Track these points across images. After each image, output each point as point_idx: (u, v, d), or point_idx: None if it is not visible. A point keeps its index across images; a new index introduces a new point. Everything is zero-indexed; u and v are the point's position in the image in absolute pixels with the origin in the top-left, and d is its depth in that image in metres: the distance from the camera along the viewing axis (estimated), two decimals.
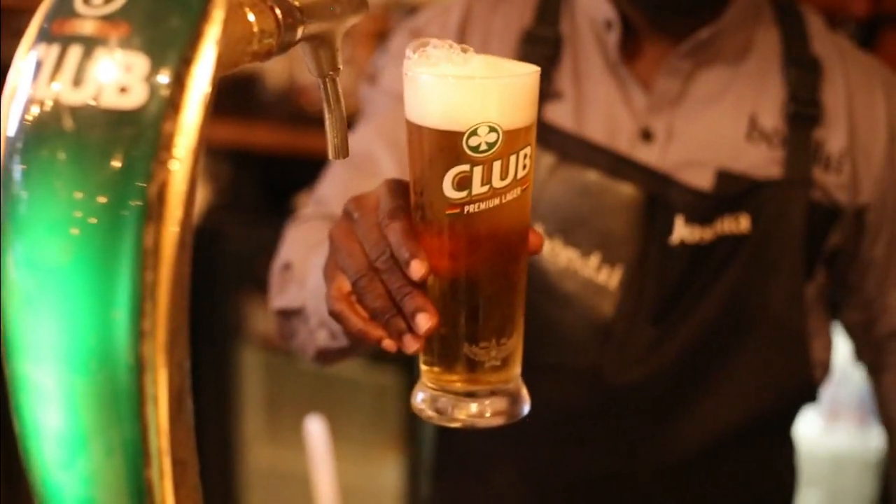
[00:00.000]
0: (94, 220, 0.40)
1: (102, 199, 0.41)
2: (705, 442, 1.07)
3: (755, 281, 1.03)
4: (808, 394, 1.10)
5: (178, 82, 0.42)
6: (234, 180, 2.73)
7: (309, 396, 2.80)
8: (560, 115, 1.05)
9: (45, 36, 0.44)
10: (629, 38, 1.06)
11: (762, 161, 1.04)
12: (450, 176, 0.63)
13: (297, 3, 0.55)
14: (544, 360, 1.03)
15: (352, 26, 0.63)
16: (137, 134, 0.41)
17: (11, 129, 0.43)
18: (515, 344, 0.69)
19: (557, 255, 1.03)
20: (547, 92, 1.06)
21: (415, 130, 0.65)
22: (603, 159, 1.03)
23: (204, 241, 2.61)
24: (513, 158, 0.64)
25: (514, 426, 1.09)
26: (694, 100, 1.05)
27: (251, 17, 0.50)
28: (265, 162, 2.69)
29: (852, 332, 1.14)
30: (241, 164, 2.71)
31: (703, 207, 1.02)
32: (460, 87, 0.63)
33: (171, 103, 0.41)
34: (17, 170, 0.42)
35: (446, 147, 0.63)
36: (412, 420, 2.54)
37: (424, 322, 0.66)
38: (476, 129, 0.63)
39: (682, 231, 1.02)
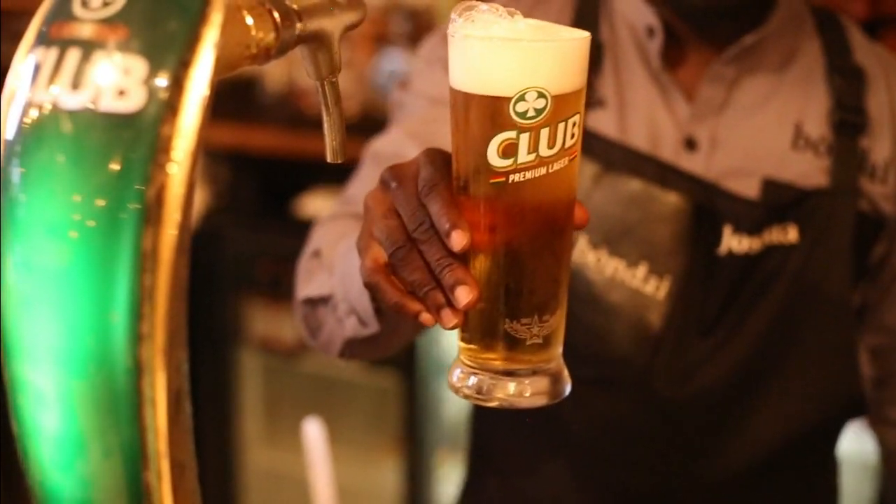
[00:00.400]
0: (92, 223, 0.40)
1: (101, 202, 0.41)
2: (755, 457, 1.05)
3: (804, 292, 1.01)
4: (857, 407, 1.07)
5: (177, 85, 0.42)
6: (234, 183, 2.73)
7: (308, 399, 2.80)
8: (603, 123, 1.04)
9: (43, 39, 0.44)
10: (671, 45, 1.04)
11: (809, 170, 1.02)
12: (495, 143, 0.61)
13: (294, 7, 0.55)
14: (590, 373, 1.02)
15: (350, 29, 0.63)
16: (136, 137, 0.41)
17: (10, 132, 0.43)
18: (558, 322, 0.66)
19: (603, 265, 1.01)
20: (590, 100, 1.04)
21: (459, 96, 0.63)
22: (648, 168, 1.02)
23: (203, 244, 2.62)
24: (561, 126, 0.61)
25: (557, 439, 1.09)
26: (738, 107, 1.04)
27: (249, 20, 0.50)
28: (264, 165, 2.69)
29: (874, 361, 1.10)
30: (241, 167, 2.72)
31: (752, 217, 1.00)
32: (508, 49, 0.61)
33: (170, 106, 0.42)
34: (16, 173, 0.42)
35: (492, 113, 0.61)
36: (411, 423, 2.54)
37: (465, 296, 0.62)
38: (524, 94, 0.60)
39: (730, 241, 1.00)
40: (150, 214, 0.40)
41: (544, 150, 0.61)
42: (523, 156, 0.61)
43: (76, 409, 0.41)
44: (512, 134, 0.60)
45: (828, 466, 1.15)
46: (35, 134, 0.42)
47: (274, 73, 2.69)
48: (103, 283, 0.40)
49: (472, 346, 0.67)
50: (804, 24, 1.08)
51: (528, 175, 0.61)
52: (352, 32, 0.63)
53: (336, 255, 0.91)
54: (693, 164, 1.03)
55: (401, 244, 0.65)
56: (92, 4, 0.44)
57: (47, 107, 0.42)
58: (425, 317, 0.66)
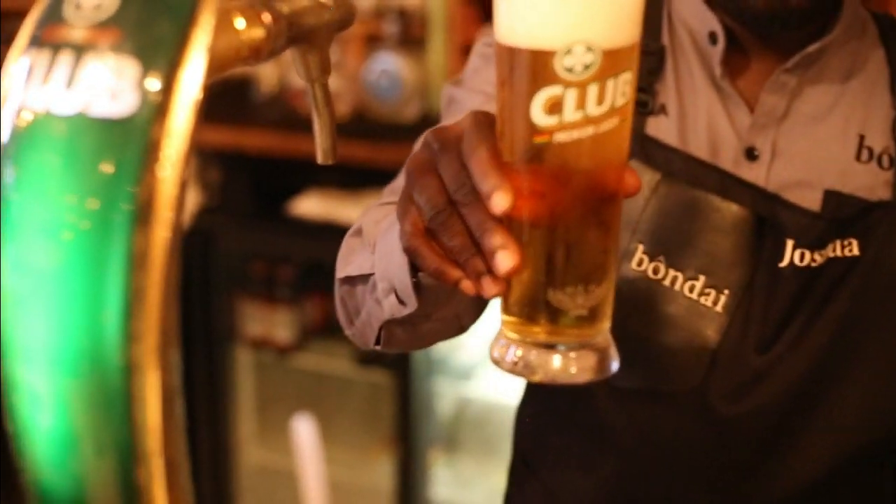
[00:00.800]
0: (85, 225, 0.41)
1: (93, 204, 0.41)
2: (812, 475, 1.03)
3: (866, 306, 0.99)
4: None
5: (169, 88, 0.42)
6: (227, 183, 2.74)
7: (301, 396, 2.81)
8: (664, 130, 1.02)
9: (35, 42, 0.44)
10: (731, 52, 1.02)
11: (872, 182, 1.00)
12: (539, 99, 0.57)
13: (285, 9, 0.55)
14: (644, 385, 1.01)
15: (340, 31, 0.63)
16: (128, 139, 0.42)
17: (3, 135, 0.43)
18: (605, 294, 0.62)
19: (661, 276, 0.99)
20: (652, 106, 1.03)
21: (503, 52, 0.60)
22: (710, 178, 1.00)
23: (196, 244, 2.62)
24: (611, 83, 0.57)
25: (607, 449, 1.07)
26: (799, 117, 1.02)
27: (240, 22, 0.51)
28: (257, 165, 2.69)
29: None
30: (233, 167, 2.72)
31: (814, 231, 0.98)
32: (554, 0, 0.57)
33: (162, 109, 0.42)
34: (9, 174, 0.43)
35: (537, 68, 0.57)
36: (404, 421, 2.55)
37: (505, 262, 0.59)
38: (571, 47, 0.56)
39: (792, 255, 0.98)
40: (143, 216, 0.41)
41: (592, 109, 0.57)
42: (569, 113, 0.57)
43: (69, 408, 0.42)
44: (557, 90, 0.57)
45: (889, 486, 1.11)
46: (28, 136, 0.43)
47: (267, 73, 2.69)
48: (96, 283, 0.41)
49: (514, 318, 0.63)
50: (866, 33, 1.05)
51: (575, 135, 0.57)
52: (343, 33, 0.64)
53: (378, 232, 0.89)
54: (753, 174, 1.00)
55: (441, 208, 0.63)
56: (84, 8, 0.44)
57: (40, 109, 0.43)
58: (465, 284, 0.63)
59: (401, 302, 0.84)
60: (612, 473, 1.08)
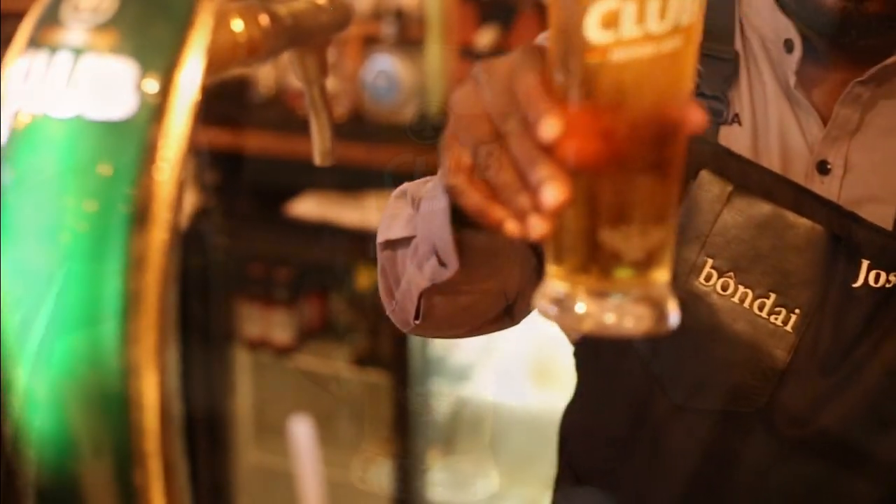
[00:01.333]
0: (83, 227, 0.41)
1: (91, 206, 0.41)
2: (880, 500, 0.99)
3: None
4: None
5: (166, 90, 0.42)
6: (224, 184, 2.74)
7: (299, 397, 2.81)
8: (737, 140, 0.99)
9: (33, 44, 0.44)
10: (805, 61, 0.98)
11: None
12: (594, 12, 0.51)
13: (283, 11, 0.55)
14: (707, 404, 0.99)
15: (337, 33, 0.63)
16: (126, 141, 0.42)
17: (1, 137, 0.43)
18: (663, 239, 0.56)
19: (729, 292, 0.96)
20: (726, 116, 0.99)
21: None
22: (784, 192, 0.96)
23: (194, 245, 2.62)
24: None
25: (662, 467, 1.04)
26: (873, 130, 0.98)
27: (237, 24, 0.51)
28: (255, 166, 2.69)
29: None
30: (231, 169, 2.72)
31: (892, 251, 0.95)
32: None
33: (160, 110, 0.42)
34: (7, 177, 0.43)
35: None
36: (402, 423, 2.55)
37: (553, 194, 0.53)
38: None
39: (867, 275, 0.95)
40: (141, 217, 0.41)
41: (653, 24, 0.51)
42: (627, 28, 0.51)
43: (67, 410, 0.42)
44: (614, 1, 0.51)
45: None
46: (25, 138, 0.43)
47: (265, 76, 2.69)
48: (94, 285, 0.41)
49: (562, 264, 0.57)
50: None
51: (633, 53, 0.51)
52: (341, 34, 0.64)
53: (423, 191, 0.86)
54: (825, 189, 0.97)
55: (486, 140, 0.58)
56: (82, 9, 0.44)
57: (37, 111, 0.43)
58: (511, 225, 0.57)
59: (442, 265, 0.81)
60: (669, 491, 1.05)
